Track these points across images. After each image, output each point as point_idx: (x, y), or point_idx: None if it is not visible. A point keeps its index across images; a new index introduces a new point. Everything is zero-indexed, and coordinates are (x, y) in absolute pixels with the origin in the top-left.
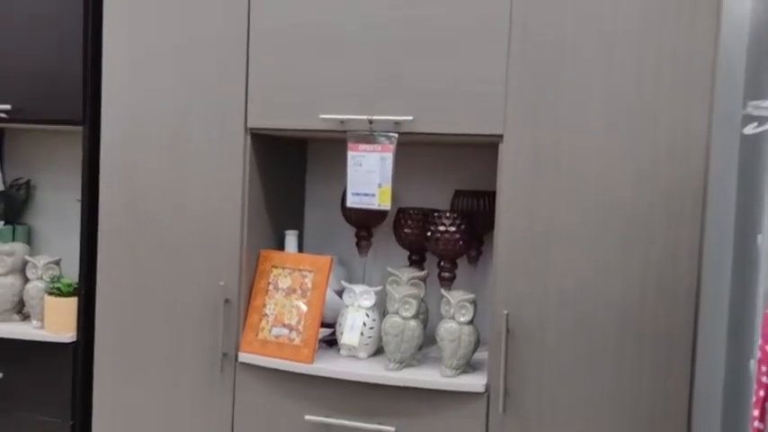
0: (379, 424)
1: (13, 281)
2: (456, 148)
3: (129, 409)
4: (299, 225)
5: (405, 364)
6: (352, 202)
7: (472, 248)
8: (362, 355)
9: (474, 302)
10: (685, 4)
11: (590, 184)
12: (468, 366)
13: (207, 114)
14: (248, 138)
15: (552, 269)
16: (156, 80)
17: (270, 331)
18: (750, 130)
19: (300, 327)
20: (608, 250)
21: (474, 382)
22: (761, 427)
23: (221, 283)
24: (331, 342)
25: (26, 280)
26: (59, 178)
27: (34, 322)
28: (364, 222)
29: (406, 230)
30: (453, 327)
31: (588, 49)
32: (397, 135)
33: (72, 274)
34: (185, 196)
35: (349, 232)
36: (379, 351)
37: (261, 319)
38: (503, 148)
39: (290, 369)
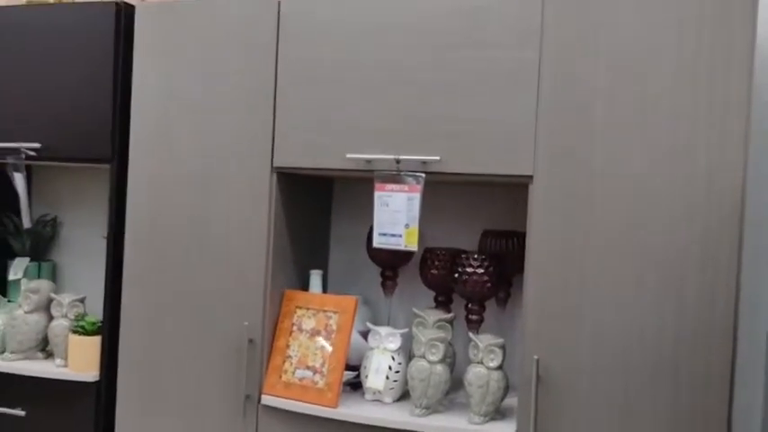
0: None
1: (38, 318)
2: (484, 187)
3: None
4: (323, 264)
5: (431, 409)
6: (378, 242)
7: (501, 290)
8: (388, 399)
9: (503, 347)
10: (719, 49)
11: (623, 226)
12: (497, 413)
13: (233, 153)
14: (274, 177)
15: (584, 313)
16: (183, 119)
17: (293, 373)
18: None
19: (324, 369)
20: (642, 293)
21: (503, 429)
22: None
23: (245, 323)
24: (355, 385)
25: (51, 317)
26: (85, 215)
27: (58, 360)
28: (390, 262)
29: (432, 271)
30: (482, 372)
31: (620, 91)
32: (424, 175)
33: (96, 311)
34: (211, 235)
35: (374, 272)
36: (404, 395)
37: (284, 361)
38: (533, 189)
39: (314, 413)
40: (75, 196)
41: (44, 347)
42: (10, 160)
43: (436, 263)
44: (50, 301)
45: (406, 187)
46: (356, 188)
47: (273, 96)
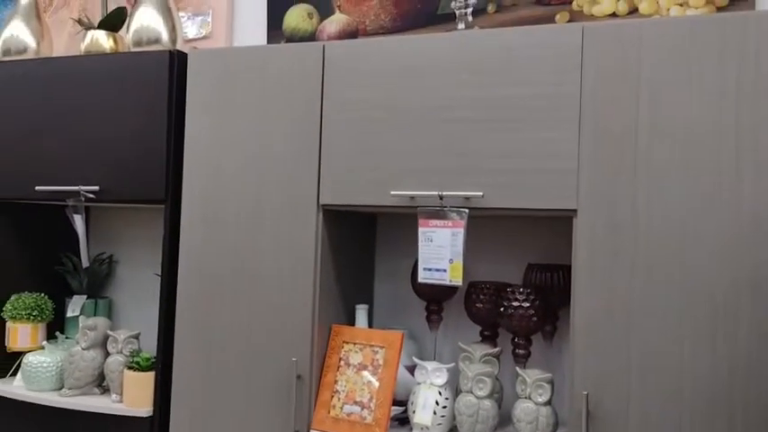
0: None
1: (94, 355)
2: (528, 220)
3: None
4: (368, 299)
5: None
6: (423, 277)
7: (547, 324)
8: None
9: (551, 382)
10: (763, 76)
11: (670, 259)
12: None
13: (280, 192)
14: (320, 214)
15: (634, 346)
16: (233, 161)
17: (341, 408)
18: None
19: (372, 404)
20: (692, 326)
21: None
22: None
23: (294, 359)
24: (403, 420)
25: (107, 354)
26: (139, 254)
27: (113, 396)
28: (435, 296)
29: (477, 305)
30: (530, 407)
31: (663, 121)
32: (467, 210)
33: (149, 347)
34: (259, 272)
35: (419, 306)
36: (452, 431)
37: (332, 396)
38: (577, 222)
39: None
40: (130, 236)
41: (101, 383)
42: (70, 202)
43: (481, 297)
44: (107, 337)
45: (449, 223)
46: (399, 223)
47: (319, 136)
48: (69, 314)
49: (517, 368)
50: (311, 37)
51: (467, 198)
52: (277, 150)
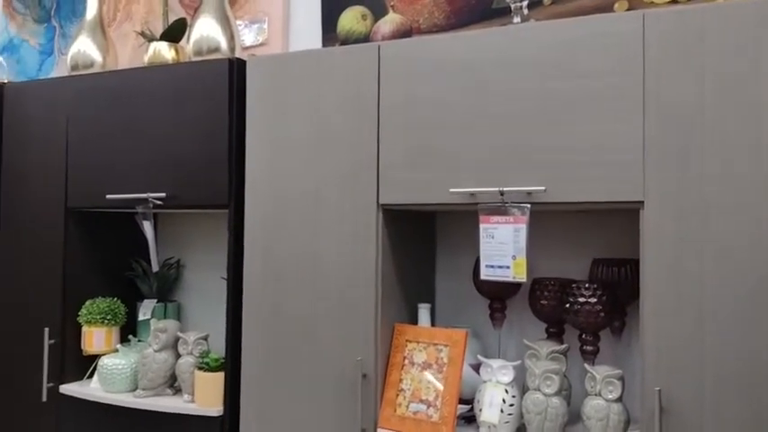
0: None
1: (166, 356)
2: (592, 214)
3: None
4: (430, 297)
5: None
6: (485, 274)
7: (615, 320)
8: None
9: (622, 378)
10: None
11: (740, 246)
12: None
13: (340, 193)
14: (380, 214)
15: (707, 340)
16: (292, 164)
17: (407, 407)
18: None
19: (438, 403)
20: (766, 317)
21: None
22: None
23: (358, 359)
24: (469, 419)
25: (178, 355)
26: (205, 257)
27: (185, 396)
28: (498, 294)
29: (542, 302)
30: (601, 404)
31: (728, 108)
32: (529, 206)
33: (217, 347)
34: (322, 273)
35: (482, 303)
36: (520, 429)
37: (398, 395)
38: (644, 214)
39: None
40: (195, 240)
41: (172, 384)
42: (139, 209)
43: (546, 293)
44: (177, 339)
45: (511, 219)
46: (459, 220)
47: (377, 136)
48: (141, 318)
49: (585, 365)
50: (365, 38)
51: (528, 193)
52: (336, 152)
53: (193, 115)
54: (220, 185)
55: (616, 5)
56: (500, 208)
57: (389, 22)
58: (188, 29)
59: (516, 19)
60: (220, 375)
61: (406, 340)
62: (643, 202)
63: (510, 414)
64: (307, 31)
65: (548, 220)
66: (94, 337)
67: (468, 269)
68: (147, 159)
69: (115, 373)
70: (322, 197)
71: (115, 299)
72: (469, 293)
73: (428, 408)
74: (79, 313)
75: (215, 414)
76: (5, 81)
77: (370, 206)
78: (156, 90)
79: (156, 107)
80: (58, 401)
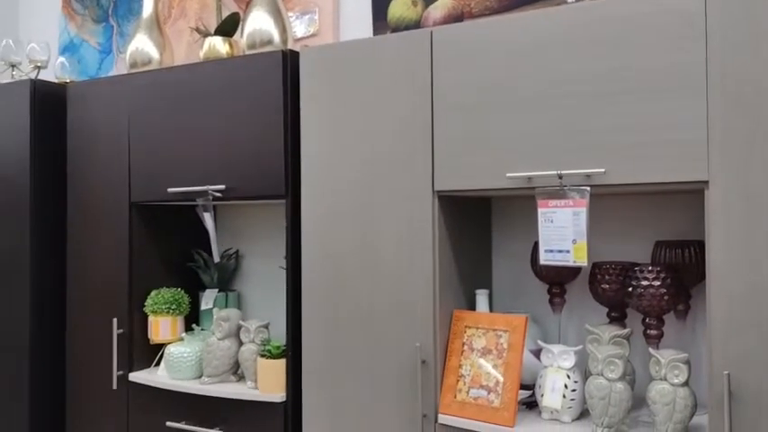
0: None
1: (229, 344)
2: (653, 196)
3: None
4: (487, 283)
5: (614, 428)
6: (545, 259)
7: (679, 303)
8: (566, 418)
9: (688, 362)
10: None
11: None
12: None
13: (396, 181)
14: (436, 200)
15: None
16: (348, 152)
17: (467, 393)
18: None
19: (499, 388)
20: None
21: None
22: None
23: (417, 344)
24: (530, 404)
25: (240, 343)
26: (263, 247)
27: (249, 383)
28: (557, 278)
29: (603, 286)
30: (666, 388)
31: None
32: (589, 188)
33: (278, 336)
34: (379, 261)
35: (540, 288)
36: (583, 414)
37: (458, 381)
38: (709, 194)
39: None
40: (254, 230)
41: (236, 371)
42: (200, 202)
43: (607, 277)
44: (239, 327)
45: (570, 202)
46: (514, 205)
47: (431, 122)
48: (203, 307)
49: (650, 349)
50: (416, 25)
51: (587, 176)
52: (390, 139)
53: (249, 108)
54: (277, 176)
55: None
56: (558, 191)
57: (440, 7)
58: (241, 23)
59: None
60: (282, 362)
61: (465, 326)
62: (708, 181)
63: (572, 399)
64: (357, 20)
65: (606, 203)
66: (160, 327)
67: (524, 254)
68: (206, 152)
69: (181, 360)
70: (377, 185)
71: (179, 289)
72: (527, 278)
73: (489, 393)
74: (145, 303)
75: (278, 400)
76: (68, 81)
77: (425, 193)
78: (213, 84)
79: (213, 101)
80: (127, 389)
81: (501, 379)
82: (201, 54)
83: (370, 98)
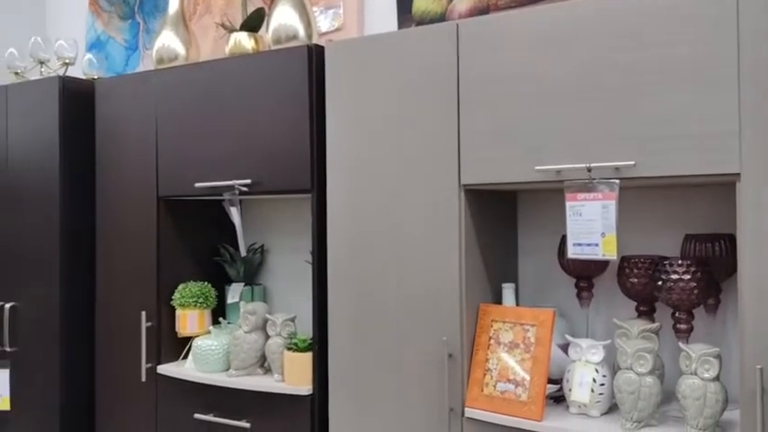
0: None
1: (256, 337)
2: (683, 189)
3: None
4: (513, 277)
5: (643, 423)
6: (573, 252)
7: (710, 297)
8: (594, 413)
9: (719, 356)
10: None
11: None
12: (717, 427)
13: (421, 174)
14: (462, 194)
15: None
16: (373, 146)
17: (495, 386)
18: None
19: (527, 382)
20: None
21: None
22: None
23: (444, 338)
24: (558, 399)
25: (267, 336)
26: (288, 242)
27: (275, 375)
28: (584, 272)
29: (632, 280)
30: (697, 383)
31: None
32: (618, 181)
33: (303, 329)
34: (405, 254)
35: (567, 282)
36: (611, 409)
37: (485, 374)
38: (741, 187)
39: (520, 426)
40: (279, 225)
41: (263, 363)
42: (226, 196)
43: (635, 271)
44: (266, 321)
45: (599, 195)
46: (540, 198)
47: (457, 116)
48: (230, 300)
49: (680, 343)
50: (441, 18)
51: (617, 168)
52: (416, 133)
53: (275, 103)
54: (303, 171)
55: None
56: (587, 185)
57: (465, 0)
58: (266, 18)
59: None
60: (309, 356)
61: (492, 320)
62: (739, 174)
63: (601, 394)
64: (381, 14)
65: (635, 196)
66: (188, 320)
67: (551, 247)
68: (232, 147)
69: (209, 353)
70: (403, 179)
71: (206, 283)
72: (554, 272)
73: (516, 387)
74: (173, 297)
75: (305, 393)
76: (96, 77)
77: (452, 187)
78: (238, 80)
79: (239, 96)
80: (155, 381)
81: (528, 373)
82: (227, 50)
83: (395, 92)
